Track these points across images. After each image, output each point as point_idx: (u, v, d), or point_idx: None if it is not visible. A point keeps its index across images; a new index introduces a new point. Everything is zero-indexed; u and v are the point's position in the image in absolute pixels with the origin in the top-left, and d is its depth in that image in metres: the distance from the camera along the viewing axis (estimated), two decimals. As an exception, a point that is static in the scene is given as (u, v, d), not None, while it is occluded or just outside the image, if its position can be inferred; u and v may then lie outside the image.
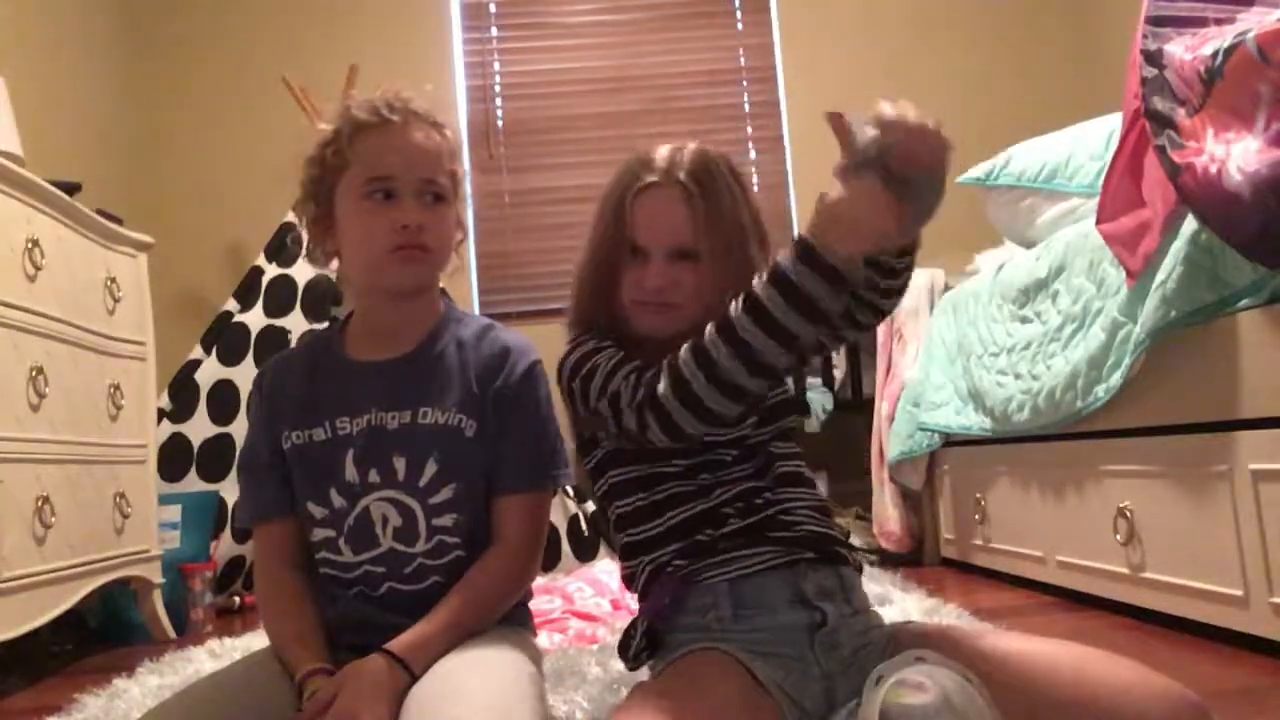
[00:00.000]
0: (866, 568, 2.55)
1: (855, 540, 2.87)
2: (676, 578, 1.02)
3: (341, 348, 1.18)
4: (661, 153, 1.09)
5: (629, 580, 1.13)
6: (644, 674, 1.10)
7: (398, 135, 1.11)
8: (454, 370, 1.15)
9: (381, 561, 1.10)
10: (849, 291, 0.90)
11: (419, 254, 1.10)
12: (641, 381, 0.98)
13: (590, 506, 2.96)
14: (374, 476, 1.10)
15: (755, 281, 0.91)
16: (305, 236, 1.18)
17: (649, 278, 1.05)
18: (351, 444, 1.11)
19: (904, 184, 0.87)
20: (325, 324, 2.93)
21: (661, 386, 0.94)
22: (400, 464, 1.10)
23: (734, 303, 0.91)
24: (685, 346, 0.94)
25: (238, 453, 1.26)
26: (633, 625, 1.09)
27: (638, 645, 1.05)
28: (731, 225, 1.06)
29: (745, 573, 1.00)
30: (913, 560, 2.72)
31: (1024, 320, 2.12)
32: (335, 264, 1.20)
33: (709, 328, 0.93)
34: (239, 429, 2.85)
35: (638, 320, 1.08)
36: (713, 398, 0.92)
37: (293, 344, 2.98)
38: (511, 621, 1.16)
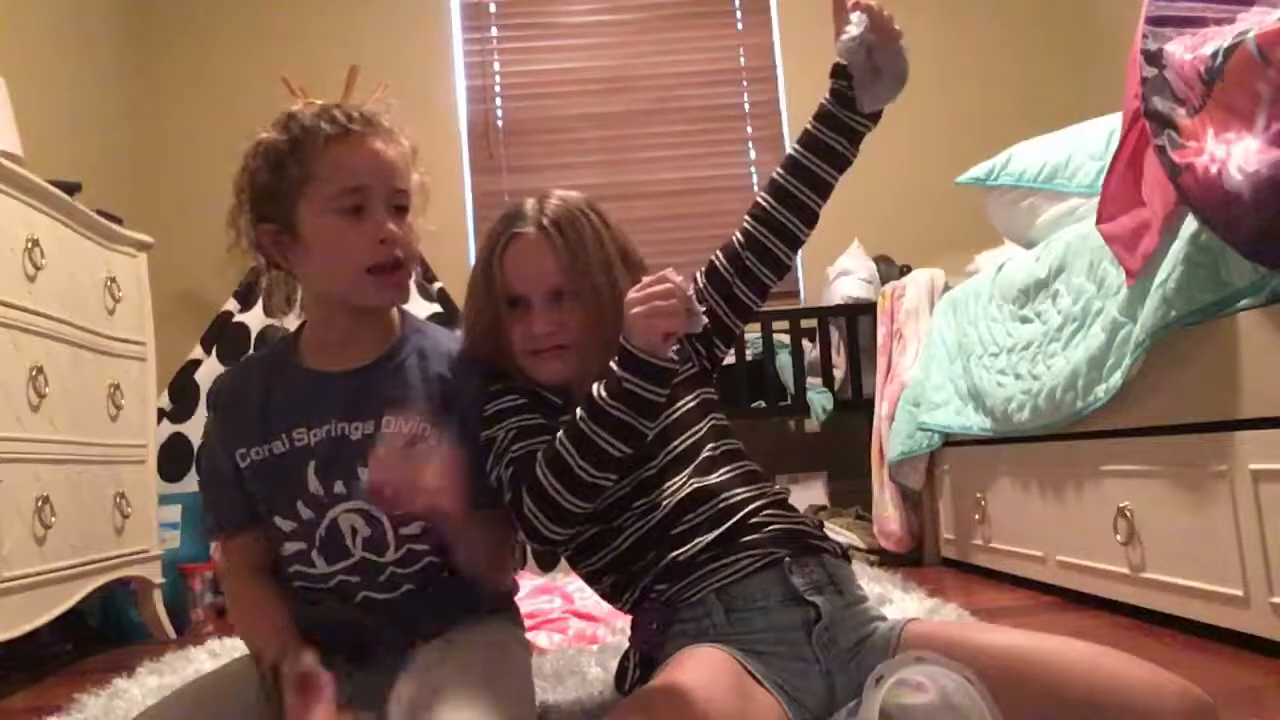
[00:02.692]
0: (867, 567, 2.56)
1: (855, 540, 2.87)
2: (661, 602, 1.03)
3: (297, 359, 1.16)
4: (527, 203, 1.14)
5: (607, 596, 1.14)
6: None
7: (364, 145, 1.09)
8: (416, 380, 1.14)
9: (355, 571, 1.10)
10: (669, 381, 1.00)
11: (395, 271, 1.10)
12: (515, 484, 1.05)
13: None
14: (339, 488, 1.09)
15: (594, 390, 1.00)
16: (254, 251, 1.16)
17: (535, 324, 1.10)
18: (312, 455, 1.09)
19: (889, 56, 1.12)
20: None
21: (526, 500, 1.02)
22: (365, 474, 1.08)
23: (579, 410, 1.00)
24: (540, 456, 1.02)
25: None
26: (626, 656, 1.09)
27: (632, 676, 1.06)
28: (597, 260, 1.11)
29: (730, 579, 1.01)
30: (913, 560, 2.72)
31: (1024, 320, 2.12)
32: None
33: (559, 435, 1.01)
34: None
35: (538, 371, 1.12)
36: (567, 498, 1.00)
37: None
38: (499, 615, 1.17)
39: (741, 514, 1.05)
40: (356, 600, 1.10)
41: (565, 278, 1.10)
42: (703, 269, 1.20)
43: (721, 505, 1.06)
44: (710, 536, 1.03)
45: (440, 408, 1.12)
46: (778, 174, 1.17)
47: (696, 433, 1.13)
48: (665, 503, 1.07)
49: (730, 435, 1.16)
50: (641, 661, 1.06)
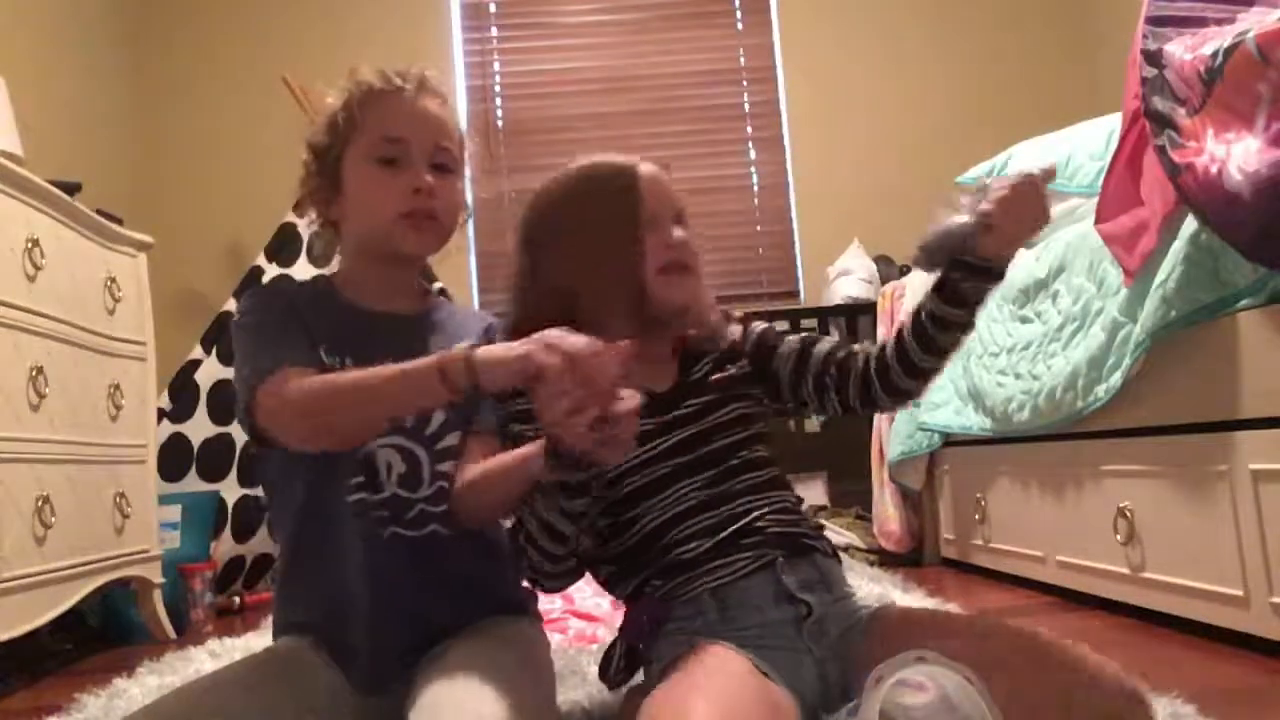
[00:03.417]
0: (867, 567, 2.56)
1: (855, 540, 2.87)
2: (656, 599, 1.03)
3: (339, 297, 1.16)
4: (614, 157, 1.18)
5: (605, 584, 1.15)
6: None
7: (410, 101, 1.13)
8: (454, 332, 1.16)
9: (385, 505, 1.09)
10: (591, 482, 0.97)
11: (428, 222, 1.12)
12: (514, 534, 1.07)
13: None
14: None
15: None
16: (311, 211, 1.19)
17: (676, 235, 1.12)
18: None
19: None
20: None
21: (528, 553, 1.05)
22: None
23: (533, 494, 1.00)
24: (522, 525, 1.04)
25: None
26: (612, 646, 1.10)
27: (616, 666, 1.06)
28: None
29: (725, 580, 1.02)
30: (913, 560, 2.72)
31: (1024, 320, 2.13)
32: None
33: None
34: (239, 429, 2.85)
35: (669, 290, 1.11)
36: (536, 556, 1.03)
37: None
38: (524, 612, 1.17)
39: (744, 521, 1.06)
40: (385, 536, 1.08)
41: (681, 207, 1.16)
42: (798, 343, 1.19)
43: (727, 513, 1.06)
44: (711, 541, 1.04)
45: None
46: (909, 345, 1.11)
47: (726, 438, 1.12)
48: (675, 504, 1.07)
49: (760, 443, 1.15)
50: (627, 653, 1.07)
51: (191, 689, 0.99)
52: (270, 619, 1.20)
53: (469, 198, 1.24)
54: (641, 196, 1.12)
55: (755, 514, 1.07)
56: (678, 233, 1.13)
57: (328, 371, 1.04)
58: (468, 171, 1.22)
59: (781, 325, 1.25)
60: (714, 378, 1.16)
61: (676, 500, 1.07)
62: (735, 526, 1.05)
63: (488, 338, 1.18)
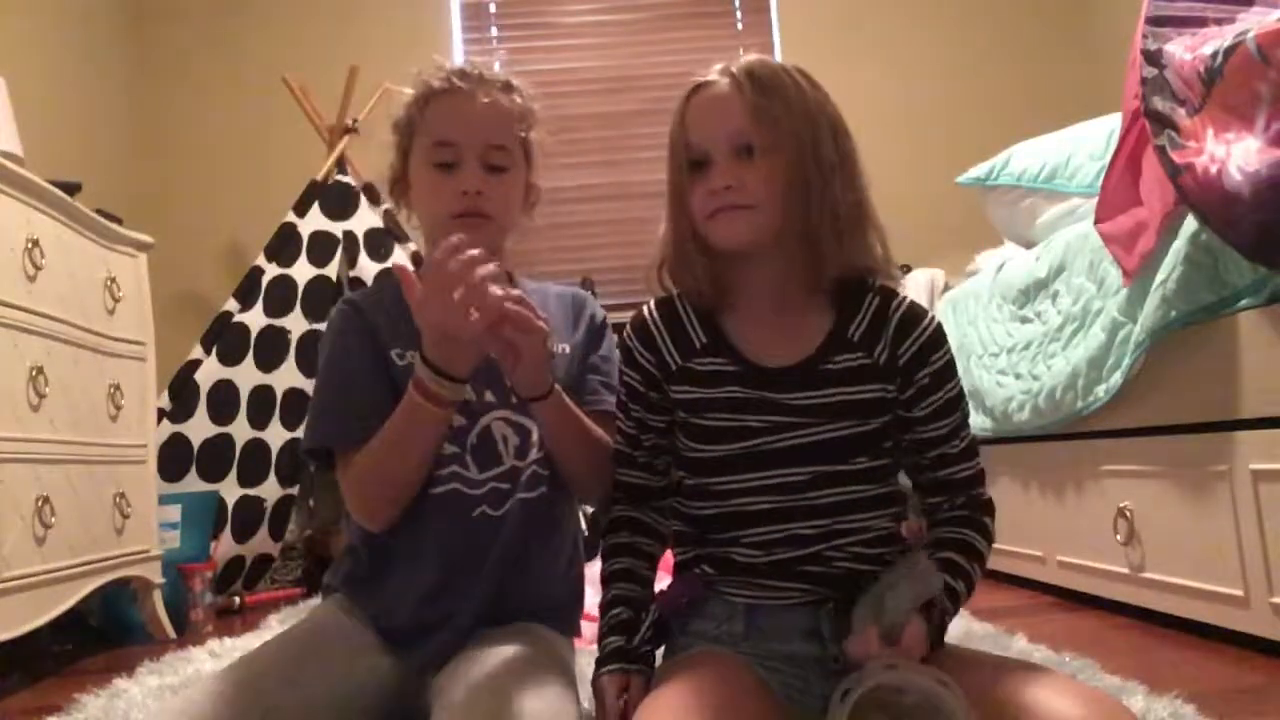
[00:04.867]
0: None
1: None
2: (699, 582, 1.02)
3: None
4: (717, 63, 1.07)
5: (672, 538, 1.12)
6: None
7: (465, 101, 1.16)
8: (540, 307, 1.14)
9: (506, 478, 1.13)
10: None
11: (479, 221, 1.14)
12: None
13: (590, 508, 2.94)
14: (490, 396, 1.14)
15: None
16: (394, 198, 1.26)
17: (714, 179, 0.98)
18: None
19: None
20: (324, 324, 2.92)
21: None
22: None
23: None
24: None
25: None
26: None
27: (643, 635, 1.04)
28: (798, 110, 0.98)
29: (766, 602, 0.99)
30: (913, 560, 2.72)
31: (1024, 320, 2.13)
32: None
33: None
34: (239, 429, 2.85)
35: (715, 234, 1.00)
36: None
37: (292, 344, 2.97)
38: (559, 628, 1.17)
39: (814, 548, 0.99)
40: (506, 508, 1.11)
41: (755, 128, 0.97)
42: (923, 430, 1.09)
43: (800, 532, 0.99)
44: (771, 558, 0.99)
45: (567, 324, 1.21)
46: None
47: (839, 433, 1.00)
48: (755, 496, 1.00)
49: (885, 455, 1.04)
50: (655, 622, 1.03)
51: (203, 684, 0.98)
52: (269, 619, 1.20)
53: (539, 183, 1.28)
54: (686, 130, 1.03)
55: (830, 543, 0.99)
56: (724, 174, 0.98)
57: (400, 376, 1.10)
58: (535, 157, 1.27)
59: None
60: (848, 396, 1.00)
61: (758, 493, 0.99)
62: (802, 552, 0.99)
63: (590, 317, 1.25)
